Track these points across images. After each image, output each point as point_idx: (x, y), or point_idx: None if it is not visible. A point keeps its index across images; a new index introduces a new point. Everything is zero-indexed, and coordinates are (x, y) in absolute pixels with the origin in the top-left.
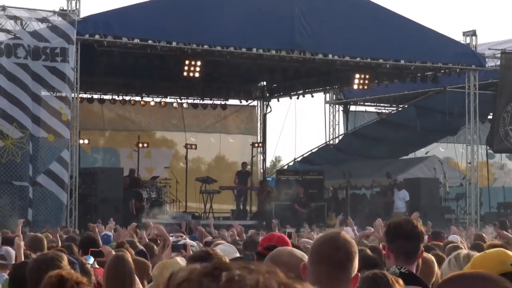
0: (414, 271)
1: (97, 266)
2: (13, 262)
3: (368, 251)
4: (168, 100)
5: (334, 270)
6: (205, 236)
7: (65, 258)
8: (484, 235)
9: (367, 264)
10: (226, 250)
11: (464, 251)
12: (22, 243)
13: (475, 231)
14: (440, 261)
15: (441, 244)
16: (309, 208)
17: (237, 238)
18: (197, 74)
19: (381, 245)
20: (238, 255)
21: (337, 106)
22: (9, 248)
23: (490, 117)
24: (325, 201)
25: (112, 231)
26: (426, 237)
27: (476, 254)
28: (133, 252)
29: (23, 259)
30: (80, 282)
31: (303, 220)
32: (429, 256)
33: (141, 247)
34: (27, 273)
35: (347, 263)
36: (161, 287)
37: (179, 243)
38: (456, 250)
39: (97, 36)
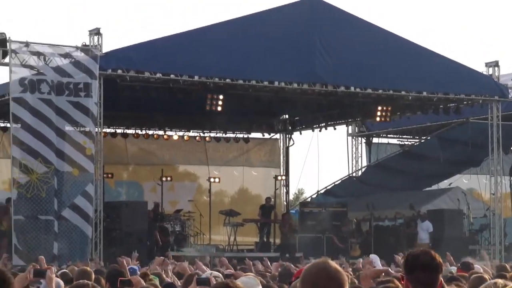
0: None
1: None
2: None
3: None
4: (191, 134)
5: None
6: (228, 268)
7: None
8: (506, 265)
9: None
10: (248, 283)
11: (500, 280)
12: (54, 276)
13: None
14: None
15: (467, 275)
16: (347, 244)
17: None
18: (219, 108)
19: (399, 275)
20: (260, 287)
21: (359, 138)
22: (59, 280)
23: None
24: (349, 234)
25: (138, 265)
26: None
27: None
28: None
29: None
30: None
31: (327, 254)
32: None
33: (168, 279)
34: None
35: None
36: None
37: (202, 276)
38: (481, 280)
39: (119, 71)
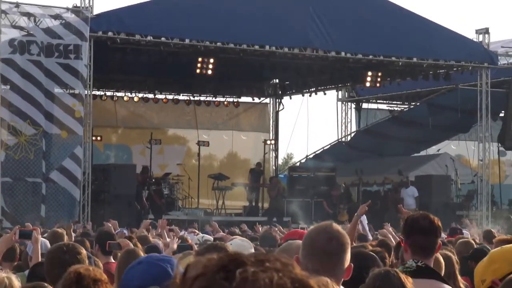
0: (431, 265)
1: (113, 261)
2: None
3: (369, 247)
4: (180, 97)
5: (328, 261)
6: (217, 232)
7: (83, 250)
8: (492, 230)
9: (361, 262)
10: (241, 245)
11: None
12: (40, 237)
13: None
14: (448, 257)
15: (453, 239)
16: (335, 209)
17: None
18: (210, 72)
19: (398, 238)
20: (253, 250)
21: (349, 103)
22: (45, 240)
23: (502, 114)
24: (337, 199)
25: (127, 229)
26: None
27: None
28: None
29: (40, 253)
30: (99, 280)
31: (315, 218)
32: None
33: (153, 242)
34: (46, 259)
35: (341, 253)
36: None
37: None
38: (468, 245)
39: (110, 33)
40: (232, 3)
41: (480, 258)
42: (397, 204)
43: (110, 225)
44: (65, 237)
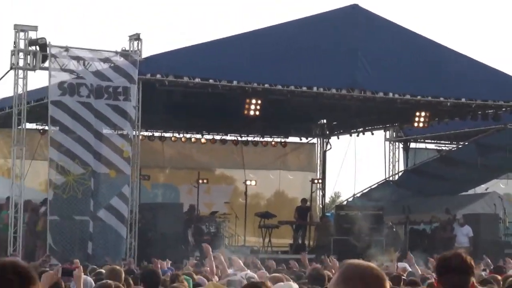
0: None
1: None
2: None
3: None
4: (228, 137)
5: None
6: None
7: None
8: None
9: None
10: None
11: None
12: (82, 274)
13: None
14: None
15: (499, 278)
16: (363, 242)
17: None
18: (257, 113)
19: (433, 278)
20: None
21: (397, 143)
22: (89, 279)
23: None
24: (384, 237)
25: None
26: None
27: None
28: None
29: None
30: None
31: (361, 255)
32: None
33: (197, 280)
34: None
35: None
36: None
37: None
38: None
39: (158, 76)
40: (280, 45)
41: None
42: (445, 243)
43: (157, 261)
44: (123, 275)
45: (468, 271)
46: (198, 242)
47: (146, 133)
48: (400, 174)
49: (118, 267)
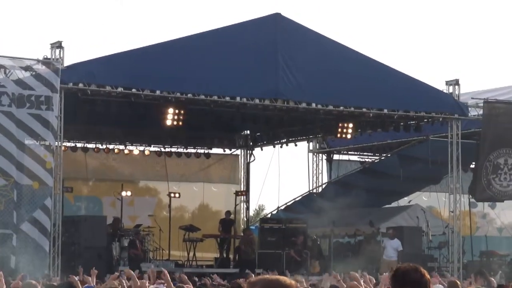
0: None
1: None
2: None
3: None
4: (151, 149)
5: None
6: (186, 283)
7: None
8: (457, 281)
9: None
10: None
11: None
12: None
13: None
14: None
15: None
16: (303, 257)
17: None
18: (180, 123)
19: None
20: None
21: (320, 155)
22: None
23: (472, 166)
24: (308, 249)
25: (94, 283)
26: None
27: None
28: None
29: None
30: None
31: (286, 269)
32: None
33: None
34: None
35: None
36: None
37: None
38: None
39: (80, 85)
40: (202, 55)
41: None
42: (369, 255)
43: (78, 277)
44: None
45: (426, 285)
46: (137, 255)
47: (68, 144)
48: (323, 186)
49: (33, 282)
